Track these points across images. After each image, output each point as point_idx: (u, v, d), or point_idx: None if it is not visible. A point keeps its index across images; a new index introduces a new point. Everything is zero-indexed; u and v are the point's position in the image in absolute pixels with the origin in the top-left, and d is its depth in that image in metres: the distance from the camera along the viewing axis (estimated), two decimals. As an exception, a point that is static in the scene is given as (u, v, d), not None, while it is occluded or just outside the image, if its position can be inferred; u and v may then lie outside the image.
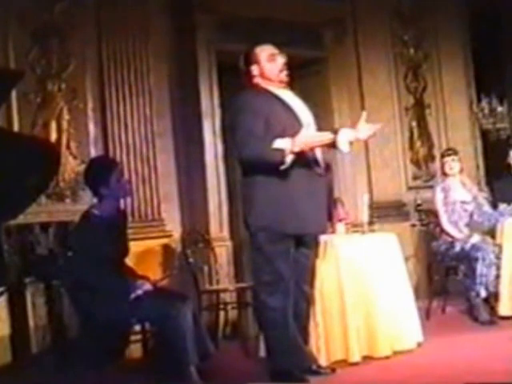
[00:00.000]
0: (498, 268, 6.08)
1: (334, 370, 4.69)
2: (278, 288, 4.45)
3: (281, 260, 4.44)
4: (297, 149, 4.28)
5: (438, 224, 6.53)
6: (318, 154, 4.53)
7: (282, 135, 4.36)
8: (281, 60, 4.58)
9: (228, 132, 4.60)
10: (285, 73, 4.58)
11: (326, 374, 4.63)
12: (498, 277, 6.07)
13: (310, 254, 4.63)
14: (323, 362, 4.82)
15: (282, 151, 4.26)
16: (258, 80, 4.60)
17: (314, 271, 4.68)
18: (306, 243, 4.58)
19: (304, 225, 4.45)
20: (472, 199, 6.47)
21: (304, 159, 4.43)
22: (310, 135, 4.36)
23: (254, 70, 4.59)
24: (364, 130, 4.57)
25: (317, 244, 4.68)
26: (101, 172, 4.77)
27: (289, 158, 4.28)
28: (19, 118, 5.82)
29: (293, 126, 4.43)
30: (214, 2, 6.59)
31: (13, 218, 4.68)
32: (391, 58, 8.02)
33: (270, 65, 4.57)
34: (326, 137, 4.41)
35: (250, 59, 4.60)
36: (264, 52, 4.60)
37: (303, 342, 4.63)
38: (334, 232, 5.43)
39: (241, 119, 4.41)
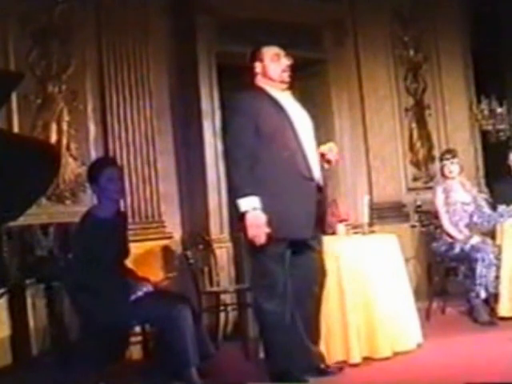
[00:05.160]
0: (498, 269, 6.08)
1: (341, 369, 4.69)
2: (274, 292, 4.46)
3: (275, 264, 4.45)
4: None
5: (438, 225, 6.54)
6: (312, 160, 4.52)
7: (271, 138, 4.41)
8: (285, 61, 4.60)
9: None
10: (287, 74, 4.60)
11: (333, 373, 4.64)
12: (497, 278, 6.08)
13: (316, 255, 4.63)
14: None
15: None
16: (259, 79, 4.62)
17: (323, 272, 4.68)
18: (310, 245, 4.58)
19: (294, 230, 4.44)
20: (472, 200, 6.48)
21: (296, 164, 4.44)
22: (256, 222, 4.32)
23: (257, 67, 4.62)
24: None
25: (320, 244, 4.67)
26: (93, 169, 4.82)
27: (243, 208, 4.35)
28: (19, 120, 5.81)
29: (284, 130, 4.46)
30: (213, 4, 6.59)
31: (13, 219, 4.69)
32: (391, 59, 8.02)
33: (273, 64, 4.60)
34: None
35: (255, 57, 4.64)
36: (269, 51, 4.64)
37: (312, 342, 4.63)
38: (334, 233, 5.44)
39: (231, 123, 4.48)
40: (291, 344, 4.52)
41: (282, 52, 4.65)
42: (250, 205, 4.32)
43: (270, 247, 4.41)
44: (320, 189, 4.57)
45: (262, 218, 4.33)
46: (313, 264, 4.62)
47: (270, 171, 4.40)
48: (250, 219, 4.33)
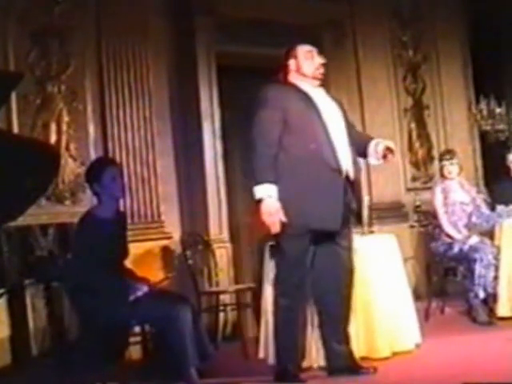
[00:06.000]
0: (497, 269, 6.09)
1: (375, 370, 4.60)
2: (290, 287, 4.48)
3: (295, 258, 4.47)
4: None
5: (437, 225, 6.54)
6: (341, 153, 4.54)
7: (298, 130, 4.46)
8: (318, 59, 4.71)
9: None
10: (321, 71, 4.70)
11: (366, 373, 4.58)
12: (496, 278, 6.08)
13: (344, 252, 4.63)
14: (322, 362, 4.82)
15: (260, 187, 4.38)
16: (293, 75, 4.70)
17: (350, 269, 4.67)
18: (337, 242, 4.59)
19: (320, 220, 4.45)
20: (470, 200, 6.48)
21: (323, 156, 4.47)
22: (270, 209, 4.36)
23: (292, 64, 4.71)
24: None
25: (349, 242, 4.68)
26: (95, 168, 4.83)
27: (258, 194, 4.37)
28: (19, 120, 5.82)
29: (312, 122, 4.51)
30: (213, 4, 6.60)
31: (12, 219, 4.69)
32: (390, 59, 8.03)
33: (307, 61, 4.70)
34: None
35: (289, 54, 4.74)
36: (303, 49, 4.75)
37: (340, 342, 4.62)
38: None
39: (258, 113, 4.50)
40: (297, 343, 4.55)
41: (315, 50, 4.76)
42: (265, 192, 4.36)
43: (293, 241, 4.43)
44: (352, 183, 4.58)
45: (276, 205, 4.36)
46: (339, 262, 4.62)
47: (296, 162, 4.44)
48: (264, 207, 4.36)
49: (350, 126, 4.74)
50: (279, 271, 4.56)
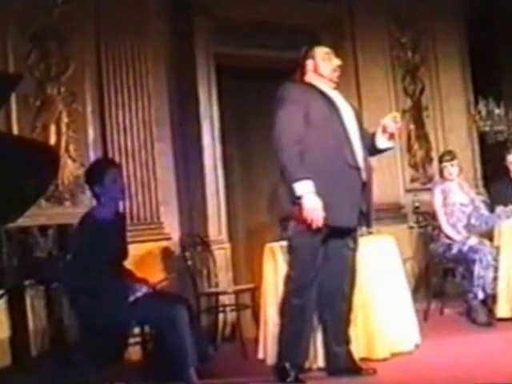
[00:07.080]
0: (496, 270, 6.08)
1: (375, 371, 4.62)
2: (303, 286, 4.50)
3: (307, 256, 4.49)
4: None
5: (436, 226, 6.55)
6: (358, 151, 4.57)
7: (319, 127, 4.48)
8: (336, 61, 4.76)
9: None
10: (337, 73, 4.75)
11: (366, 374, 4.60)
12: (495, 279, 6.08)
13: (350, 253, 4.66)
14: (321, 363, 4.83)
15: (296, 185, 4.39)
16: (309, 75, 4.73)
17: (353, 270, 4.70)
18: (345, 243, 4.62)
19: (339, 217, 4.48)
20: (469, 202, 6.49)
21: (342, 153, 4.50)
22: (313, 205, 4.37)
23: (309, 64, 4.74)
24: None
25: (355, 242, 4.71)
26: (96, 170, 4.83)
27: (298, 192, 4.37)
28: (18, 121, 5.82)
29: (332, 119, 4.55)
30: (211, 6, 6.61)
31: (12, 220, 4.70)
32: (389, 60, 8.04)
33: (324, 62, 4.75)
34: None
35: (307, 55, 4.77)
36: (321, 50, 4.80)
37: (340, 343, 4.64)
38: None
39: (280, 110, 4.51)
40: (302, 342, 4.55)
41: (332, 52, 4.82)
42: (305, 189, 4.38)
43: (309, 238, 4.45)
44: (363, 184, 4.62)
45: (318, 201, 4.38)
46: (345, 262, 4.65)
47: (317, 159, 4.46)
48: (306, 203, 4.37)
49: (362, 129, 4.76)
50: (293, 269, 4.56)
